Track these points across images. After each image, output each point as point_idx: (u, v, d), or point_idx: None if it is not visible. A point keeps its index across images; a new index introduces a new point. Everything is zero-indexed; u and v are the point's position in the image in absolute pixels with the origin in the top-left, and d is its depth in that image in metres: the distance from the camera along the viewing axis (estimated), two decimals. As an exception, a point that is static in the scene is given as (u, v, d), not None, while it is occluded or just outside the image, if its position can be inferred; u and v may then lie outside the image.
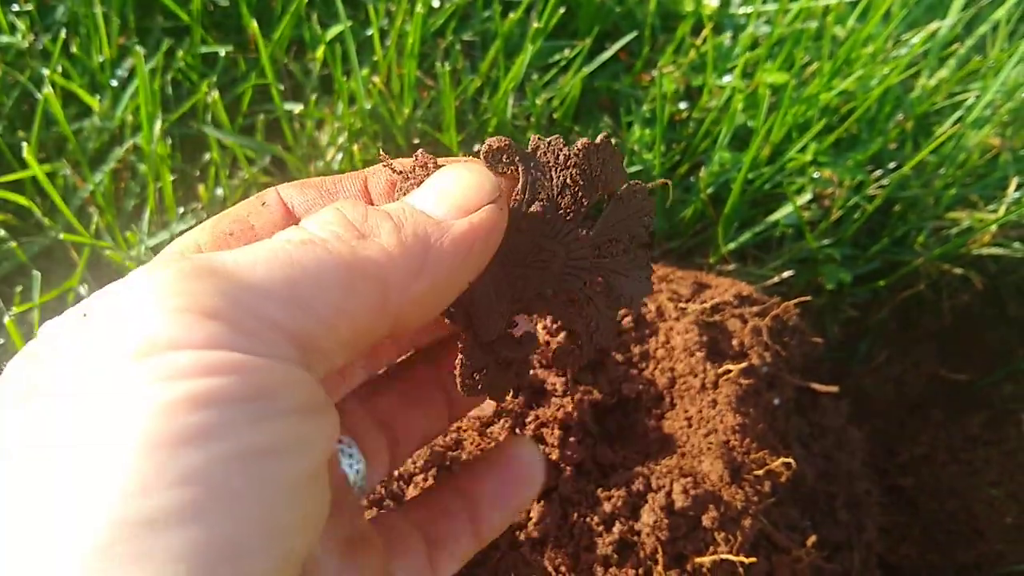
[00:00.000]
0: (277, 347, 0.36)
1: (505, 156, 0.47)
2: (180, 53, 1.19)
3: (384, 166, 0.48)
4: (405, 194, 0.46)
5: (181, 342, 0.34)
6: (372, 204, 0.49)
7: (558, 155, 0.49)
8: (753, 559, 0.86)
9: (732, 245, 1.18)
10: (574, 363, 0.53)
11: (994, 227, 1.22)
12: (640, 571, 0.84)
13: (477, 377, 0.48)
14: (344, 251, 0.39)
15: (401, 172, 0.47)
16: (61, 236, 0.98)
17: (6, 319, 0.83)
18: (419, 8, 1.08)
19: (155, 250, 1.05)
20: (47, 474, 0.32)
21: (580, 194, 0.48)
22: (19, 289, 1.01)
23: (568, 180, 0.48)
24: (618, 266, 0.51)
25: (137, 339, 0.34)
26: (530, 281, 0.49)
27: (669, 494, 0.88)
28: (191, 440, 0.32)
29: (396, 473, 0.83)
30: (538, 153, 0.48)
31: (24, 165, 1.09)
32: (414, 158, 0.48)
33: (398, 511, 0.55)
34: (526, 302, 0.49)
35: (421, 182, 0.46)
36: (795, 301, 1.04)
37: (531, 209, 0.47)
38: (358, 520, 0.50)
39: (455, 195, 0.43)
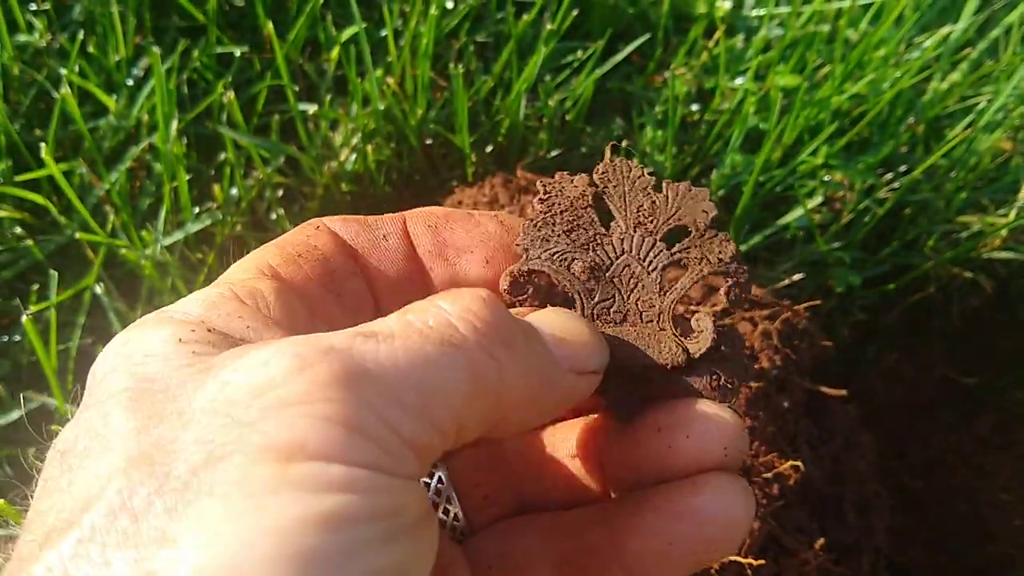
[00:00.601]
0: (405, 463, 0.36)
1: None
2: (196, 53, 1.20)
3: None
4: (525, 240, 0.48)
5: (327, 454, 0.34)
6: (412, 246, 0.50)
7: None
8: (761, 561, 0.86)
9: (743, 247, 1.18)
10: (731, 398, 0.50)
11: (1004, 231, 1.22)
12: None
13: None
14: (480, 360, 0.40)
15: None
16: (77, 235, 0.99)
17: (24, 318, 0.84)
18: (433, 10, 1.09)
19: (170, 249, 1.07)
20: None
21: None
22: (35, 287, 1.02)
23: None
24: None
25: (285, 439, 0.34)
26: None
27: (678, 496, 0.88)
28: (330, 561, 0.32)
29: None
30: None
31: (41, 163, 1.10)
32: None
33: (534, 531, 0.52)
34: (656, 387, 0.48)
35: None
36: (805, 305, 1.05)
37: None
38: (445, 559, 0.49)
39: (575, 353, 0.44)
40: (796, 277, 1.20)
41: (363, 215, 0.51)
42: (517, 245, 0.48)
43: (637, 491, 0.47)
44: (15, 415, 0.96)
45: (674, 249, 0.49)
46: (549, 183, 0.49)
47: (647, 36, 1.29)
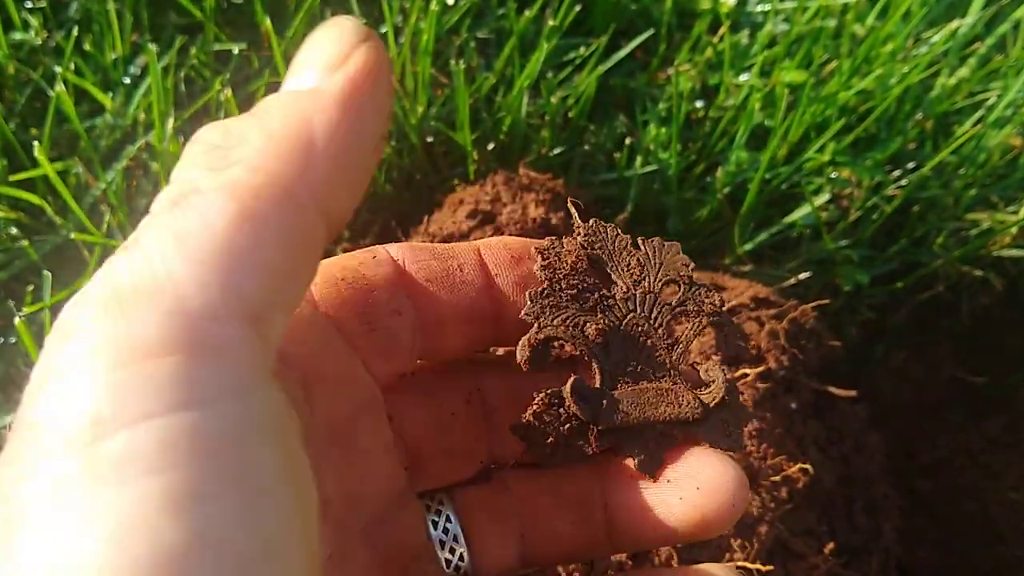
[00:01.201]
0: (246, 350, 0.32)
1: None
2: (193, 50, 1.19)
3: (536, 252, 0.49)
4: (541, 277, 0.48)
5: (122, 417, 0.29)
6: (489, 277, 0.49)
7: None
8: (770, 567, 0.85)
9: (749, 246, 1.17)
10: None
11: (1015, 228, 1.20)
12: (655, 578, 0.83)
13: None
14: (221, 200, 0.33)
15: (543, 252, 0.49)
16: (72, 235, 0.98)
17: (17, 320, 0.83)
18: (434, 6, 1.07)
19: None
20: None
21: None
22: (30, 288, 1.00)
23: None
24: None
25: (79, 420, 0.29)
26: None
27: (685, 500, 0.87)
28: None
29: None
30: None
31: (36, 162, 1.08)
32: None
33: None
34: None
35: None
36: (812, 304, 1.03)
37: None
38: None
39: (320, 55, 0.36)
40: (803, 276, 1.18)
41: (436, 244, 0.49)
42: (527, 315, 0.48)
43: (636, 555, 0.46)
44: (9, 419, 0.94)
45: (674, 304, 0.50)
46: (546, 249, 0.49)
47: (651, 32, 1.27)
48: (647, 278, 0.50)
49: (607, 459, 0.49)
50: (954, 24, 1.29)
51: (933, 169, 1.21)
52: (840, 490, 1.04)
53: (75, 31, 1.13)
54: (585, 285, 0.49)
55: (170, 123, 1.00)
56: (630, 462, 0.48)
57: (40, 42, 1.17)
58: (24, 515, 0.28)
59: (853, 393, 1.01)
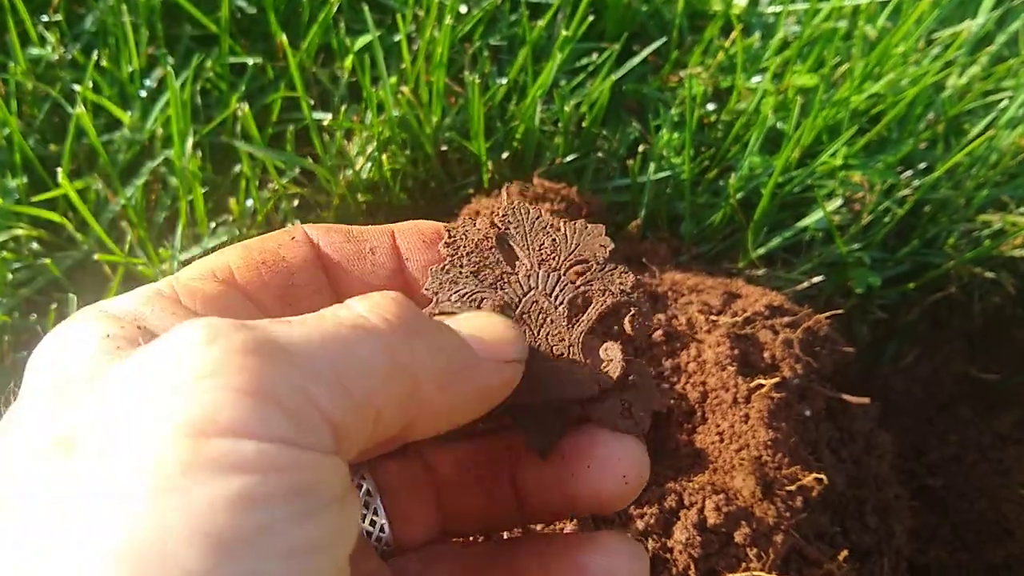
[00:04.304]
0: (322, 437, 0.36)
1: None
2: (209, 63, 1.19)
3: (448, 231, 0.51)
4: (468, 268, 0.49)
5: (242, 429, 0.33)
6: (400, 260, 0.51)
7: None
8: (785, 575, 0.86)
9: (762, 250, 1.18)
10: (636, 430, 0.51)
11: (1027, 230, 1.21)
12: (674, 591, 0.85)
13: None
14: (393, 342, 0.39)
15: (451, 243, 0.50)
16: (96, 256, 0.99)
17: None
18: (448, 20, 1.08)
19: (187, 264, 1.06)
20: (77, 541, 0.31)
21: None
22: (54, 306, 1.02)
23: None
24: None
25: (197, 415, 0.33)
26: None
27: (701, 511, 0.89)
28: (247, 540, 0.32)
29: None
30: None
31: (56, 178, 1.10)
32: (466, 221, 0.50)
33: (450, 560, 0.53)
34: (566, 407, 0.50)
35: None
36: (827, 315, 1.04)
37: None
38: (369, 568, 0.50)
39: (492, 344, 0.45)
40: (816, 279, 1.19)
41: (352, 227, 0.51)
42: (426, 289, 0.49)
43: (549, 526, 0.52)
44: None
45: (577, 283, 0.51)
46: (453, 227, 0.51)
47: (663, 40, 1.27)
48: (556, 257, 0.51)
49: (509, 434, 0.51)
50: (965, 25, 1.29)
51: (945, 171, 1.22)
52: (852, 491, 1.05)
53: (92, 46, 1.13)
54: (488, 263, 0.50)
55: (189, 141, 1.01)
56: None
57: (57, 57, 1.18)
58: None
59: (867, 401, 1.02)
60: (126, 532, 0.31)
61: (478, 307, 0.49)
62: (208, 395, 0.34)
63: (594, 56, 1.27)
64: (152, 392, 0.34)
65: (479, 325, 0.46)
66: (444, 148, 1.18)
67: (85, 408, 0.35)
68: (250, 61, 1.21)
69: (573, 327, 0.50)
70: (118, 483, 0.32)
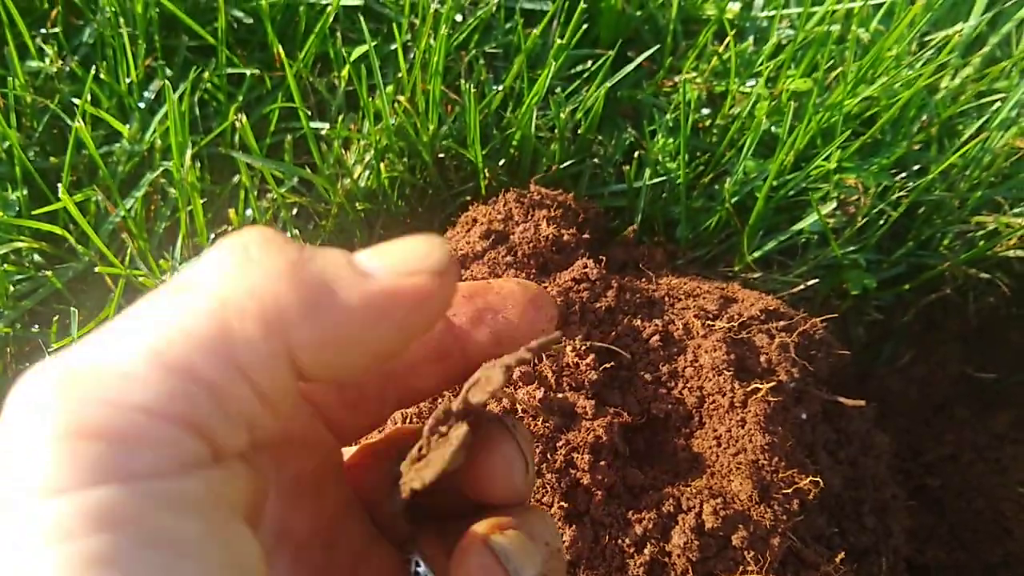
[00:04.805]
0: (176, 447, 0.33)
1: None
2: (206, 75, 1.20)
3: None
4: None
5: (65, 483, 0.31)
6: (448, 317, 0.49)
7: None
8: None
9: (757, 253, 1.19)
10: None
11: (1022, 231, 1.22)
12: (673, 598, 0.86)
13: None
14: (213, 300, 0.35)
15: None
16: (97, 269, 1.00)
17: (48, 353, 0.85)
18: (443, 29, 1.08)
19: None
20: None
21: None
22: (56, 317, 1.03)
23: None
24: None
25: (26, 483, 0.31)
26: None
27: (699, 515, 0.90)
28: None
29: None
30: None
31: (55, 190, 1.10)
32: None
33: None
34: None
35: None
36: (822, 319, 1.05)
37: None
38: None
39: (394, 254, 0.38)
40: (811, 282, 1.20)
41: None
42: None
43: None
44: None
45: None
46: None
47: (658, 47, 1.28)
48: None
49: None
50: (957, 28, 1.30)
51: (939, 172, 1.22)
52: (849, 492, 1.06)
53: (92, 64, 1.14)
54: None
55: (188, 153, 1.02)
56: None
57: (55, 70, 1.18)
58: None
59: (863, 403, 1.02)
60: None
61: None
62: (33, 451, 0.32)
63: (589, 63, 1.28)
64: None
65: (386, 244, 0.39)
66: (441, 156, 1.19)
67: None
68: (247, 72, 1.22)
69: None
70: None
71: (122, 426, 0.32)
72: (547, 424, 0.92)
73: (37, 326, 1.10)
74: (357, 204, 1.15)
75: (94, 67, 1.12)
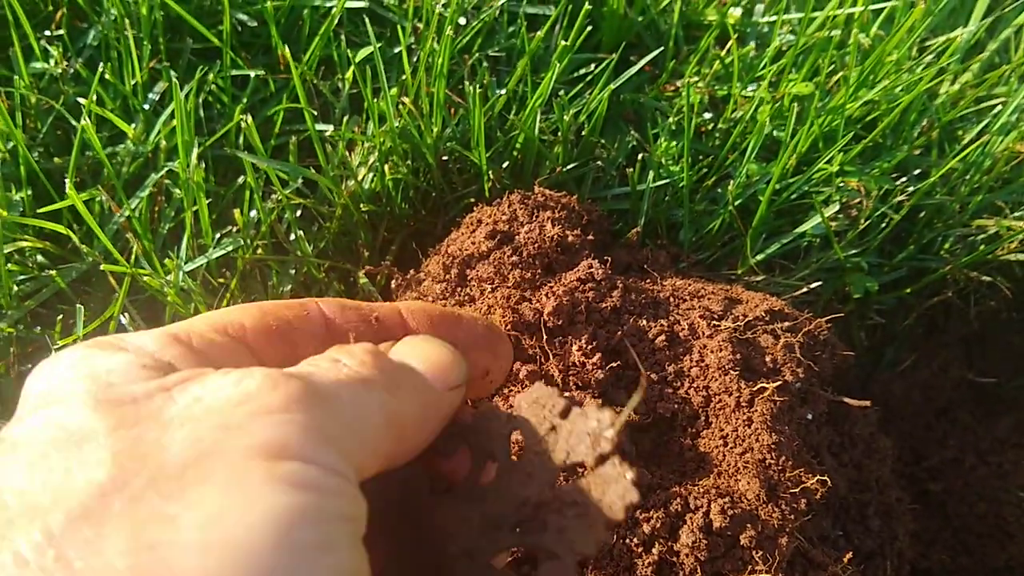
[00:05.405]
0: (353, 475, 0.42)
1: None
2: (211, 76, 1.20)
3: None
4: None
5: (306, 456, 0.40)
6: (407, 331, 0.59)
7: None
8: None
9: (760, 256, 1.19)
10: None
11: (1022, 235, 1.22)
12: (682, 595, 0.85)
13: None
14: (385, 397, 0.48)
15: None
16: (102, 266, 1.00)
17: (53, 351, 0.85)
18: (447, 32, 1.09)
19: (192, 275, 1.07)
20: (160, 543, 0.35)
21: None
22: (60, 317, 1.02)
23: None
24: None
25: (273, 440, 0.39)
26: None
27: (707, 514, 0.89)
28: (310, 549, 0.37)
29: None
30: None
31: (60, 191, 1.10)
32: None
33: None
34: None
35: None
36: (827, 318, 1.05)
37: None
38: None
39: (441, 372, 0.54)
40: (814, 285, 1.20)
41: (362, 303, 0.59)
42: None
43: None
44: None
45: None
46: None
47: (660, 50, 1.29)
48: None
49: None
50: (956, 33, 1.31)
51: (939, 176, 1.23)
52: (854, 495, 1.06)
53: (98, 65, 1.14)
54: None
55: (194, 153, 1.02)
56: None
57: (60, 71, 1.18)
58: None
59: (867, 404, 1.02)
60: (210, 532, 0.35)
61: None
62: (281, 426, 0.40)
63: (592, 67, 1.29)
64: (230, 419, 0.40)
65: (426, 354, 0.55)
66: (445, 158, 1.19)
67: (147, 426, 0.40)
68: (252, 74, 1.22)
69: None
70: (201, 491, 0.37)
71: (341, 448, 0.43)
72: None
73: (40, 327, 1.09)
74: (361, 206, 1.16)
75: (100, 68, 1.12)
